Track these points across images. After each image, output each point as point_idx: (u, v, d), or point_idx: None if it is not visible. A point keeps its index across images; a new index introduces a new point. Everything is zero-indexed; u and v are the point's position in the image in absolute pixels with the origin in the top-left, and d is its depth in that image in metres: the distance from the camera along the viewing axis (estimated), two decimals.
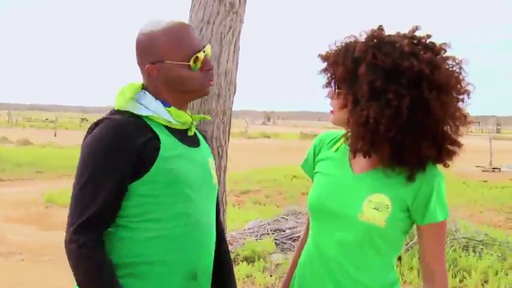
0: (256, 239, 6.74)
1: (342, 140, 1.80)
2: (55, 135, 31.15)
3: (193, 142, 1.77)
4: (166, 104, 1.70)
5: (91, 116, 60.89)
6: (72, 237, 1.53)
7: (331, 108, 1.77)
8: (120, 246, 1.61)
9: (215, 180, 1.83)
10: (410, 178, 1.65)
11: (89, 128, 1.65)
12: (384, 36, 1.66)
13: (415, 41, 1.65)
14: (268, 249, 6.39)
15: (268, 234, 6.93)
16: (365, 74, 1.60)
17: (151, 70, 1.69)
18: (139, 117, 1.66)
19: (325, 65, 1.75)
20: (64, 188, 11.68)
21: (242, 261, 6.06)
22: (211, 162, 1.84)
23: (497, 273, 5.79)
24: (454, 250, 6.24)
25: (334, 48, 1.72)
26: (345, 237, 1.71)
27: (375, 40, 1.65)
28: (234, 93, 2.43)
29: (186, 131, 1.76)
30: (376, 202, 1.67)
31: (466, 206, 10.89)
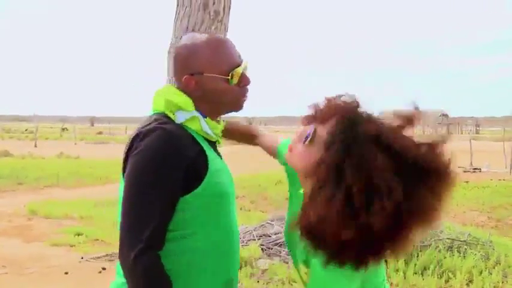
0: (242, 245, 6.73)
1: None
2: (35, 146, 30.79)
3: (219, 153, 1.82)
4: (203, 115, 1.72)
5: (72, 126, 60.28)
6: (139, 258, 1.50)
7: (291, 145, 1.61)
8: (169, 259, 1.59)
9: None
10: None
11: (136, 137, 1.61)
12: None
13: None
14: (255, 255, 6.39)
15: (254, 240, 6.92)
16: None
17: (189, 81, 1.70)
18: (183, 128, 1.66)
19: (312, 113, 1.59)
20: (46, 199, 11.56)
21: None
22: None
23: (481, 273, 5.85)
24: (439, 251, 6.30)
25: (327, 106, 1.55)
26: None
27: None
28: None
29: (215, 141, 1.79)
30: None
31: (449, 207, 10.97)
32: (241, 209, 11.01)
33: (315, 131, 1.52)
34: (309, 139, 1.53)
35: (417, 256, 6.15)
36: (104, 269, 6.21)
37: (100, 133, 54.04)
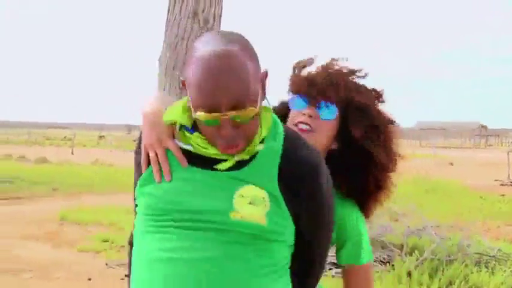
0: None
1: None
2: (72, 153, 31.46)
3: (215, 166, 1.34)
4: (189, 129, 1.36)
5: (109, 134, 61.43)
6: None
7: (308, 128, 1.64)
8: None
9: (243, 214, 1.28)
10: None
11: None
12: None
13: None
14: None
15: None
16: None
17: (183, 84, 1.35)
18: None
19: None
20: (79, 205, 11.77)
21: None
22: (245, 192, 1.30)
23: None
24: (466, 266, 6.12)
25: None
26: None
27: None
28: None
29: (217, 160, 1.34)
30: None
31: (483, 221, 10.69)
32: None
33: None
34: (335, 114, 1.64)
35: (443, 270, 5.99)
36: (126, 275, 6.25)
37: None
